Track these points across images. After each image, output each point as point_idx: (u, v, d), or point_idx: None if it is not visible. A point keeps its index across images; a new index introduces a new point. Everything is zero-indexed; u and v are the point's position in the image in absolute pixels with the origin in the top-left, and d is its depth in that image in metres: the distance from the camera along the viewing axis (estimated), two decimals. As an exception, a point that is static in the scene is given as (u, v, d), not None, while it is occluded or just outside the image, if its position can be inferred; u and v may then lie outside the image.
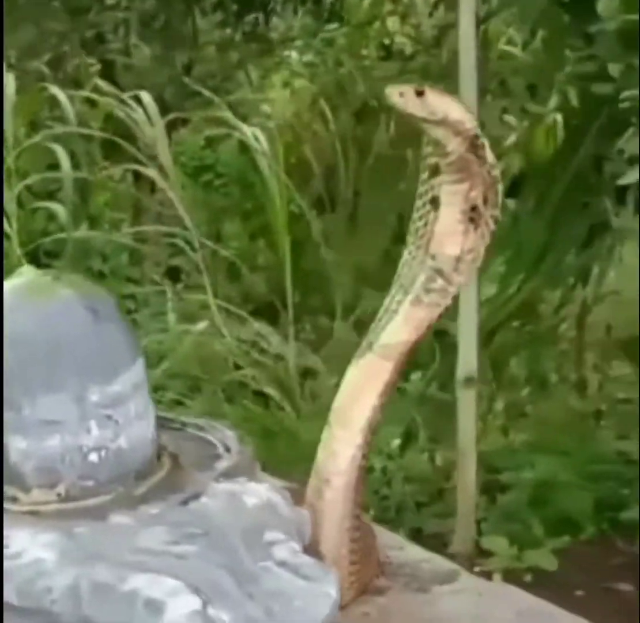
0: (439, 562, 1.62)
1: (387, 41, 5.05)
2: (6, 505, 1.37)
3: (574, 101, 3.35)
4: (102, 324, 1.41)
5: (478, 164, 1.42)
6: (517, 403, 3.78)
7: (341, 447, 1.48)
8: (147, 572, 1.17)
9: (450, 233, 1.45)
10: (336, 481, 1.47)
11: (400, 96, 1.38)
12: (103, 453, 1.38)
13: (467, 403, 2.92)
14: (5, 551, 1.24)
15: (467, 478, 2.94)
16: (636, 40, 2.76)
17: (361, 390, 1.50)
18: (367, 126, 4.93)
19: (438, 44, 3.92)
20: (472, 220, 1.45)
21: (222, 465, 1.47)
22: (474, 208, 1.45)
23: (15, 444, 1.37)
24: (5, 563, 1.23)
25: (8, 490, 1.38)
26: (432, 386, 3.66)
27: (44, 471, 1.37)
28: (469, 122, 1.40)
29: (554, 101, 3.30)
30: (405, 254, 1.50)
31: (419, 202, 1.49)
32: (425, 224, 1.47)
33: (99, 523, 1.32)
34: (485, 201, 1.45)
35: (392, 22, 4.99)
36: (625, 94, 2.77)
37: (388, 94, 1.39)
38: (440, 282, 1.46)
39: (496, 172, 1.44)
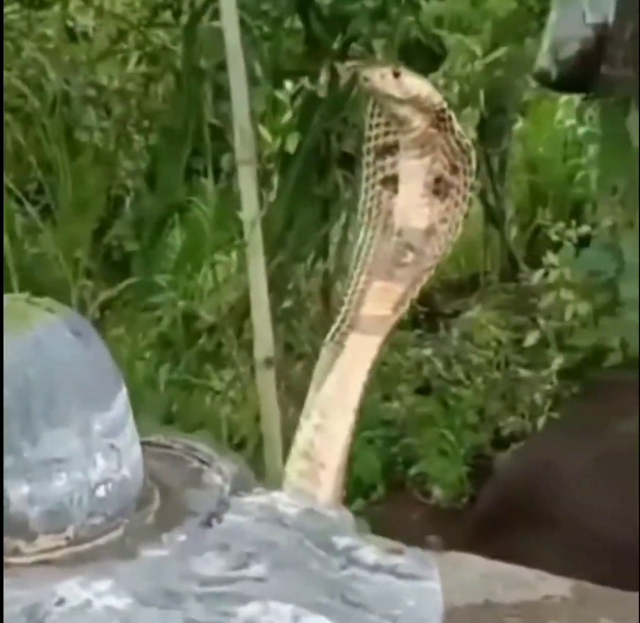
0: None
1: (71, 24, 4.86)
2: (6, 559, 1.25)
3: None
4: (90, 346, 1.32)
5: (442, 136, 1.46)
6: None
7: (338, 429, 1.48)
8: (246, 601, 1.11)
9: (414, 207, 1.48)
10: (332, 464, 1.47)
11: (381, 77, 1.40)
12: (109, 486, 1.29)
13: (267, 385, 2.93)
14: (60, 607, 1.14)
15: (274, 457, 2.95)
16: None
17: (351, 370, 1.51)
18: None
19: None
20: (437, 192, 1.49)
21: (213, 478, 1.41)
22: (437, 180, 1.49)
23: (17, 491, 1.24)
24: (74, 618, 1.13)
25: (7, 543, 1.25)
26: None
27: (50, 515, 1.25)
28: (437, 98, 1.44)
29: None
30: (362, 236, 1.53)
31: (366, 184, 1.52)
32: (379, 204, 1.50)
33: (134, 561, 1.23)
34: (454, 171, 1.49)
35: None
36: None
37: (368, 77, 1.40)
38: (411, 256, 1.49)
39: (466, 141, 1.48)
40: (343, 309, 1.53)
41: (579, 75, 3.11)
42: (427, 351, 4.04)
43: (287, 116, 3.01)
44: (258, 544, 1.23)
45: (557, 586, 1.82)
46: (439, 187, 1.49)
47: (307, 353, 3.49)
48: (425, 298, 4.46)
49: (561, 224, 3.29)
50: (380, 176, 1.51)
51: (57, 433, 1.25)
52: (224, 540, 1.25)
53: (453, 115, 1.46)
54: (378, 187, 1.51)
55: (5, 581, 1.20)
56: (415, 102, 1.43)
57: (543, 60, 3.12)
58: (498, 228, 4.87)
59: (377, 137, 1.50)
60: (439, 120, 1.46)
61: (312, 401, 1.55)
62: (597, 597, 1.90)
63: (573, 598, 1.84)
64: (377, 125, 1.49)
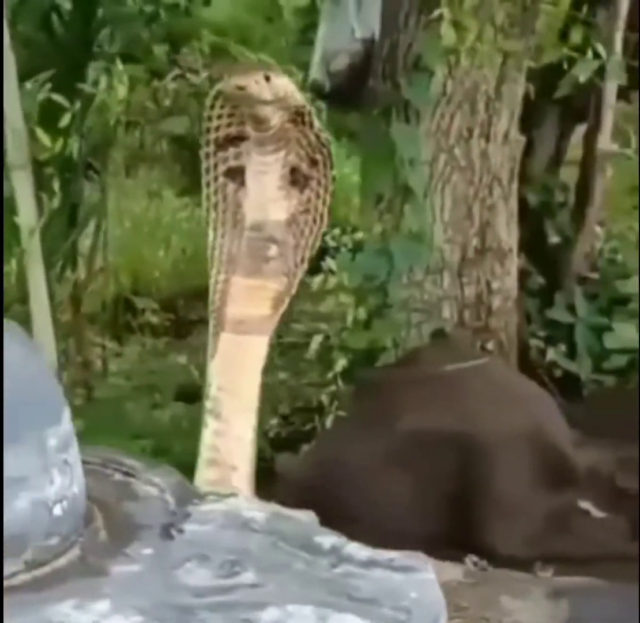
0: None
1: None
2: None
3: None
4: (35, 358, 1.26)
5: (299, 131, 1.51)
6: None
7: (243, 431, 1.49)
8: (263, 607, 1.10)
9: (272, 200, 1.53)
10: (243, 464, 1.48)
11: (256, 83, 1.43)
12: (65, 503, 1.24)
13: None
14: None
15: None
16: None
17: (245, 371, 1.51)
18: None
19: None
20: (294, 183, 1.54)
21: (146, 490, 1.38)
22: (294, 171, 1.53)
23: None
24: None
25: None
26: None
27: (10, 538, 1.19)
28: (298, 95, 1.50)
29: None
30: (211, 234, 1.55)
31: (208, 177, 1.53)
32: (225, 198, 1.53)
33: (107, 578, 1.19)
34: (312, 163, 1.54)
35: None
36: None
37: (244, 85, 1.43)
38: (275, 248, 1.53)
39: (325, 135, 1.54)
40: (209, 310, 1.54)
41: (350, 87, 3.22)
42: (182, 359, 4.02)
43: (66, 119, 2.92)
44: (235, 551, 1.21)
45: (449, 572, 1.89)
46: (296, 179, 1.54)
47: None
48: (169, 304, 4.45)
49: (337, 231, 3.38)
50: (222, 167, 1.53)
51: (16, 451, 1.19)
52: (197, 550, 1.22)
53: (312, 110, 1.51)
54: (222, 180, 1.53)
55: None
56: (281, 101, 1.47)
57: (315, 72, 3.20)
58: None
59: (218, 128, 1.52)
60: (297, 115, 1.50)
61: (206, 407, 1.54)
62: (490, 577, 1.99)
63: (469, 581, 1.91)
64: (219, 116, 1.51)
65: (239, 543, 1.22)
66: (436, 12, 2.70)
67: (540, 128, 3.63)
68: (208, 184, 1.52)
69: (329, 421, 3.09)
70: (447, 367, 2.90)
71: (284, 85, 1.45)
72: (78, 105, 2.94)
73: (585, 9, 2.87)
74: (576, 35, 2.87)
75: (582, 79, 2.85)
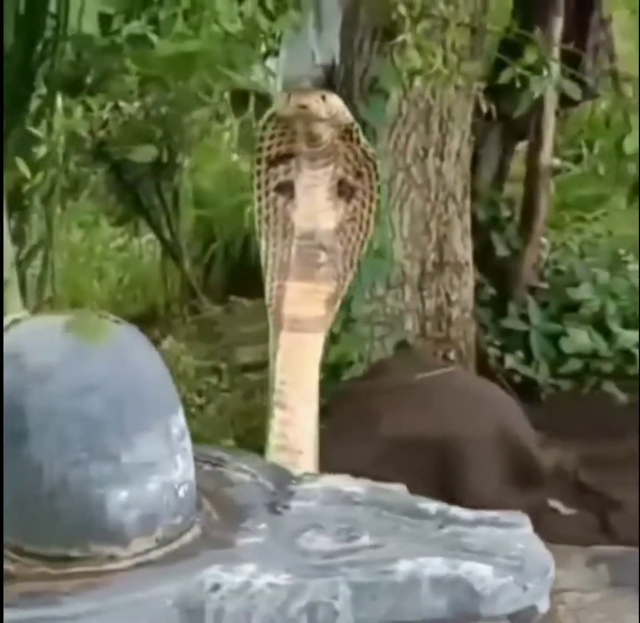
0: None
1: None
2: (103, 566, 1.29)
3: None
4: (156, 357, 1.38)
5: (347, 146, 1.64)
6: None
7: (307, 420, 1.62)
8: (396, 560, 1.22)
9: (321, 211, 1.65)
10: (309, 451, 1.61)
11: (316, 102, 1.57)
12: (186, 486, 1.36)
13: None
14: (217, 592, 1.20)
15: None
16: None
17: (305, 366, 1.66)
18: None
19: None
20: (341, 194, 1.66)
21: (239, 477, 1.50)
22: (341, 184, 1.66)
23: (115, 497, 1.28)
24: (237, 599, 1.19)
25: (101, 551, 1.29)
26: None
27: (144, 518, 1.30)
28: (347, 113, 1.64)
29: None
30: (263, 244, 1.68)
31: (259, 192, 1.67)
32: (276, 211, 1.66)
33: (235, 549, 1.31)
34: (358, 176, 1.66)
35: None
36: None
37: (306, 104, 1.57)
38: (324, 255, 1.65)
39: (371, 150, 1.67)
40: (268, 312, 1.68)
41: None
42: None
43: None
44: (345, 521, 1.34)
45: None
46: (343, 190, 1.66)
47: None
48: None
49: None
50: (273, 183, 1.66)
51: (148, 438, 1.30)
52: (309, 521, 1.34)
53: (359, 128, 1.65)
54: (272, 194, 1.66)
55: (116, 585, 1.23)
56: (333, 119, 1.60)
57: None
58: (177, 261, 4.98)
59: (270, 147, 1.66)
60: (346, 132, 1.63)
61: (273, 399, 1.67)
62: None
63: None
64: (271, 136, 1.65)
65: (345, 514, 1.35)
66: (399, 38, 2.84)
67: (484, 146, 3.82)
68: (259, 199, 1.64)
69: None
70: (417, 376, 3.02)
71: (337, 104, 1.59)
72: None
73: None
74: (530, 55, 3.05)
75: (536, 95, 3.02)
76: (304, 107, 1.55)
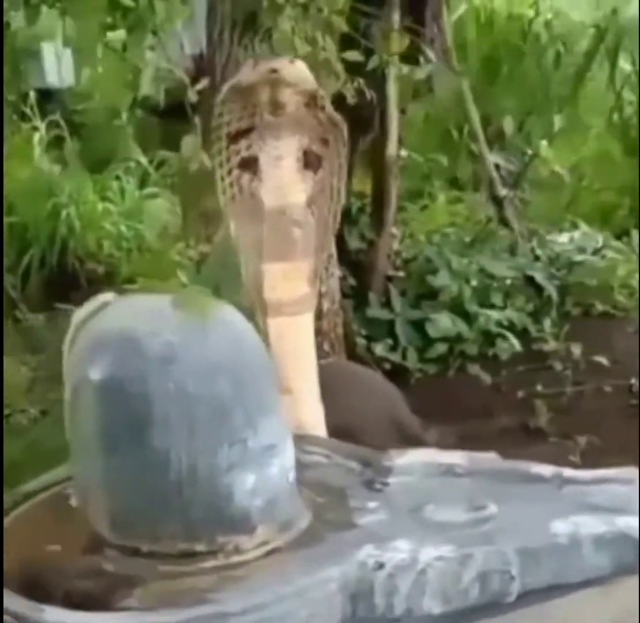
0: None
1: None
2: (231, 559, 1.23)
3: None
4: (252, 330, 1.32)
5: (313, 115, 1.55)
6: None
7: (315, 400, 1.60)
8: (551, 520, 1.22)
9: (289, 184, 1.55)
10: (323, 430, 1.58)
11: (288, 64, 1.49)
12: (294, 470, 1.31)
13: None
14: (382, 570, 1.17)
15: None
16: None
17: (300, 348, 1.60)
18: None
19: None
20: (308, 165, 1.57)
21: (313, 458, 1.46)
22: (307, 154, 1.57)
23: (243, 483, 1.21)
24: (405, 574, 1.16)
25: (228, 542, 1.22)
26: None
27: (268, 504, 1.23)
28: (311, 80, 1.54)
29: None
30: (233, 226, 1.56)
31: (222, 171, 1.54)
32: (241, 189, 1.55)
33: (360, 529, 1.27)
34: (324, 143, 1.57)
35: None
36: None
37: (278, 67, 1.48)
38: (298, 231, 1.55)
39: (337, 117, 1.57)
40: (247, 297, 1.58)
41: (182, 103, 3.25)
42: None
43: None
44: (458, 491, 1.32)
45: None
46: (310, 160, 1.57)
47: None
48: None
49: (181, 244, 3.38)
50: (236, 159, 1.54)
51: (269, 420, 1.24)
52: (421, 495, 1.32)
53: (325, 94, 1.55)
54: (236, 172, 1.54)
55: (264, 576, 1.18)
56: (300, 86, 1.51)
57: (147, 89, 3.22)
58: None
59: (229, 123, 1.54)
60: (311, 99, 1.54)
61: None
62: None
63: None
64: (231, 111, 1.53)
65: (454, 485, 1.33)
66: (284, 25, 2.83)
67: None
68: (222, 178, 1.53)
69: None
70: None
71: (304, 69, 1.51)
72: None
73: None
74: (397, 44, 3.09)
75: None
76: (274, 71, 1.47)
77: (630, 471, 1.31)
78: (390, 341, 3.60)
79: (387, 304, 3.69)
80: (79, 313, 1.28)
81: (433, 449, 1.45)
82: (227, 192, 1.53)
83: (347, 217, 3.88)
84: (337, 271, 3.52)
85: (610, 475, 1.31)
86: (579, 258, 3.89)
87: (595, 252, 3.96)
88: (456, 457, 1.39)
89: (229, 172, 1.52)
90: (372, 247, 3.83)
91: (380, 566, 1.14)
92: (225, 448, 1.18)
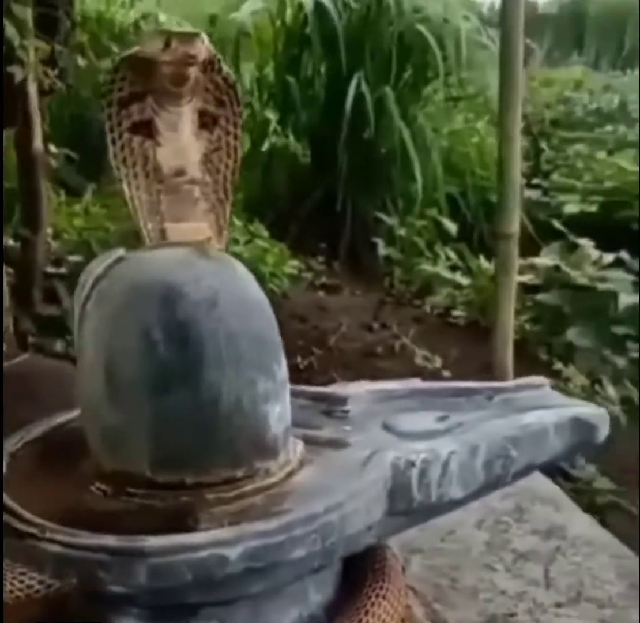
0: None
1: None
2: (265, 481, 1.38)
3: None
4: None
5: (209, 79, 1.54)
6: None
7: None
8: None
9: (187, 145, 1.55)
10: None
11: (201, 49, 1.46)
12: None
13: None
14: (414, 468, 1.37)
15: None
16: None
17: None
18: None
19: None
20: (204, 125, 1.58)
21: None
22: (203, 114, 1.57)
23: (274, 412, 1.34)
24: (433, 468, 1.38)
25: (261, 466, 1.34)
26: None
27: (286, 431, 1.38)
28: (209, 49, 1.50)
29: None
30: (127, 190, 1.53)
31: (113, 135, 1.53)
32: (132, 152, 1.53)
33: (353, 448, 1.46)
34: (220, 104, 1.58)
35: None
36: None
37: (197, 54, 1.45)
38: (197, 190, 1.55)
39: (232, 78, 1.58)
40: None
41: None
42: None
43: None
44: (412, 409, 1.55)
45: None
46: (205, 121, 1.57)
47: None
48: None
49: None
50: (127, 123, 1.53)
51: (283, 356, 1.40)
52: (384, 416, 1.53)
53: (220, 57, 1.54)
54: (126, 135, 1.53)
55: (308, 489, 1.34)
56: (196, 57, 1.47)
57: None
58: None
59: (121, 89, 1.52)
60: (209, 64, 1.52)
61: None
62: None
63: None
64: (123, 78, 1.51)
65: (405, 405, 1.55)
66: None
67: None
68: (113, 142, 1.52)
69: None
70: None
71: (208, 42, 1.48)
72: None
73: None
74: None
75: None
76: (191, 57, 1.46)
77: (537, 379, 1.59)
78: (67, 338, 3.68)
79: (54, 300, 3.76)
80: (94, 268, 1.34)
81: (358, 382, 1.63)
82: (118, 156, 1.53)
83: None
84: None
85: (524, 383, 1.58)
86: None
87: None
88: (388, 384, 1.59)
89: (120, 135, 1.52)
90: (28, 244, 3.86)
91: (412, 464, 1.33)
92: (263, 380, 1.31)
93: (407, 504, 1.33)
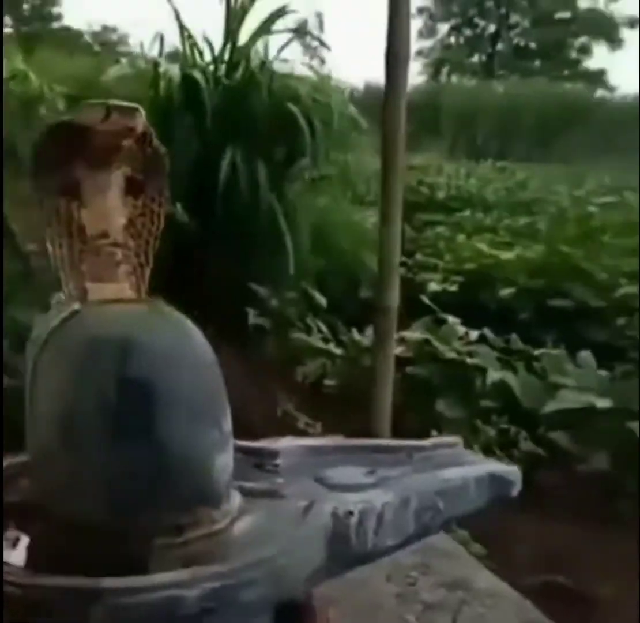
0: None
1: None
2: (213, 528, 1.44)
3: None
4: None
5: (140, 149, 1.61)
6: None
7: None
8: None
9: (112, 209, 1.61)
10: None
11: (140, 122, 1.53)
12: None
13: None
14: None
15: None
16: None
17: None
18: None
19: None
20: (129, 192, 1.64)
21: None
22: (130, 182, 1.63)
23: (219, 462, 1.41)
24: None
25: (204, 514, 1.40)
26: None
27: (228, 481, 1.46)
28: (144, 122, 1.57)
29: None
30: (50, 249, 1.57)
31: (39, 195, 1.56)
32: (58, 212, 1.57)
33: (288, 499, 1.55)
34: (148, 172, 1.64)
35: None
36: None
37: (136, 126, 1.52)
38: (120, 252, 1.60)
39: (162, 149, 1.64)
40: None
41: None
42: None
43: None
44: (343, 463, 1.65)
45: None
46: (132, 187, 1.63)
47: None
48: None
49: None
50: (54, 187, 1.57)
51: (228, 408, 1.48)
52: (314, 471, 1.62)
53: (153, 131, 1.61)
54: (54, 197, 1.57)
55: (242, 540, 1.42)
56: (134, 129, 1.54)
57: None
58: None
59: (49, 153, 1.54)
60: (143, 136, 1.59)
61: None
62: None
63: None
64: (55, 144, 1.53)
65: (334, 460, 1.64)
66: None
67: None
68: (41, 202, 1.55)
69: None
70: None
71: (143, 115, 1.54)
72: None
73: None
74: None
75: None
76: (132, 130, 1.53)
77: (450, 439, 1.71)
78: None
79: None
80: (49, 320, 1.40)
81: (288, 437, 1.72)
82: (44, 217, 1.57)
83: None
84: None
85: (442, 441, 1.69)
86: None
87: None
88: (319, 441, 1.68)
89: (48, 196, 1.55)
90: None
91: (350, 514, 1.42)
92: (211, 432, 1.39)
93: (345, 551, 1.41)
